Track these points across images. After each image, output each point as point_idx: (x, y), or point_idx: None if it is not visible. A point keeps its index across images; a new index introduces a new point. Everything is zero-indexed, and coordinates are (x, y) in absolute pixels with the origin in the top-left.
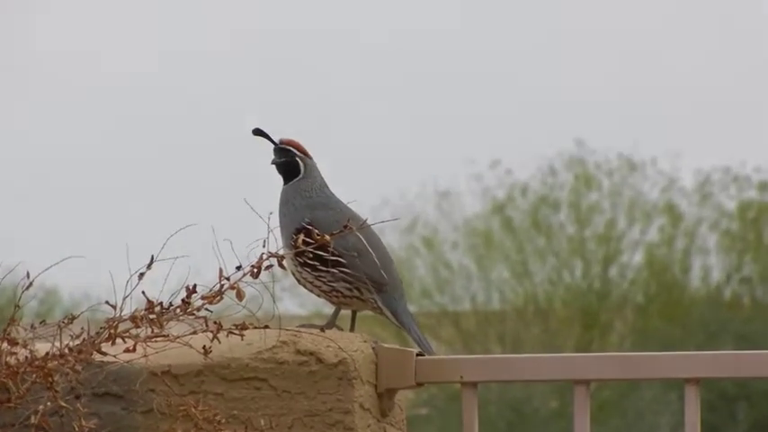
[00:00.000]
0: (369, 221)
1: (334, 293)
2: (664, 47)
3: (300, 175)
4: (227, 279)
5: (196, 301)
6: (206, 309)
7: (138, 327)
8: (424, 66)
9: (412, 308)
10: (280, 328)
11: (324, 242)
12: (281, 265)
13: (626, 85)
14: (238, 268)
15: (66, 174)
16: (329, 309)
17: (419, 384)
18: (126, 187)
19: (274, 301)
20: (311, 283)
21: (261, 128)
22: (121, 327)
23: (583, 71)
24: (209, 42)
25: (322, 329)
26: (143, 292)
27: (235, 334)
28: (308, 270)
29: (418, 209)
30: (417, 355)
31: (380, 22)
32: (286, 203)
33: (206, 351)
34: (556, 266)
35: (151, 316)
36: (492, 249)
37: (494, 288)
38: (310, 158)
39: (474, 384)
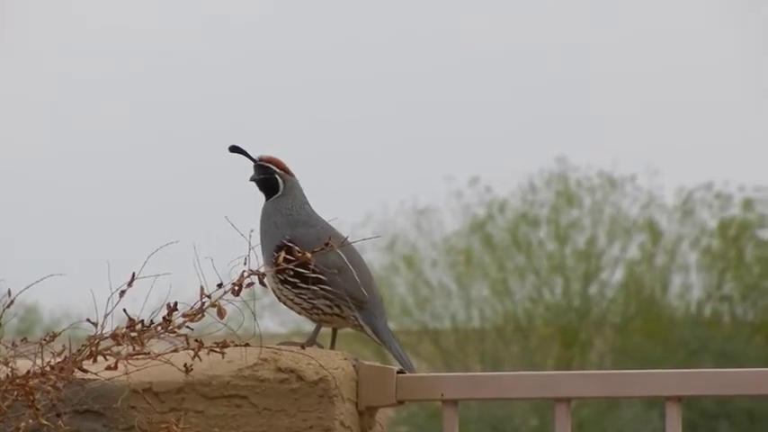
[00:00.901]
0: (349, 239)
1: (315, 311)
2: (648, 62)
3: (280, 192)
4: (209, 297)
5: (177, 318)
6: (187, 326)
7: (119, 344)
8: (405, 81)
9: (392, 325)
10: (260, 346)
11: (304, 259)
12: (261, 283)
13: (607, 101)
14: (219, 286)
15: (47, 192)
16: (310, 326)
17: (400, 402)
18: (106, 205)
19: (255, 319)
20: (292, 300)
21: (238, 145)
22: (103, 344)
23: (563, 88)
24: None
25: (302, 347)
26: (124, 310)
27: (216, 351)
28: (289, 287)
29: (397, 227)
30: (398, 372)
31: (373, 31)
32: (267, 221)
33: (187, 369)
34: (536, 284)
35: (132, 333)
36: (472, 267)
37: (474, 306)
38: (291, 176)
39: (455, 402)
